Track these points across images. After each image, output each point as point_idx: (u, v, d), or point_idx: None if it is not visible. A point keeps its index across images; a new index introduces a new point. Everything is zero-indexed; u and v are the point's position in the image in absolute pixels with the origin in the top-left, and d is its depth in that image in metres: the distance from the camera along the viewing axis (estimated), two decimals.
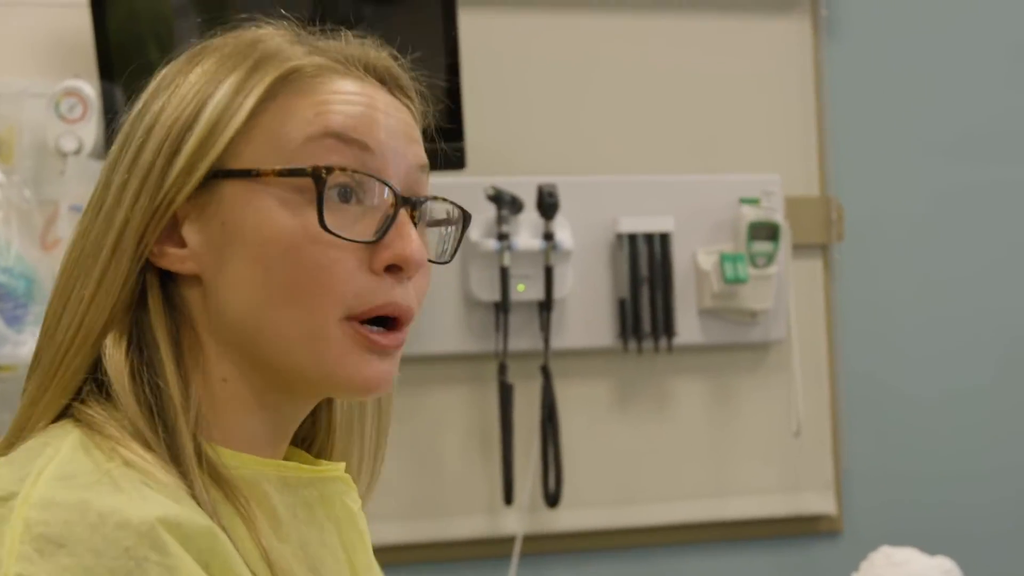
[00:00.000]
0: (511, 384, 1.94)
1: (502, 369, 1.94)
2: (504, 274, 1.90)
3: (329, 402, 0.87)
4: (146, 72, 1.95)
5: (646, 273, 1.99)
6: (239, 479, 0.74)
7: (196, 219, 0.76)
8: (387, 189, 0.76)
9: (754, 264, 1.99)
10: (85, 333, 0.74)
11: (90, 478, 0.66)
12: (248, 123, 0.75)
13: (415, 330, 2.07)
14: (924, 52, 2.20)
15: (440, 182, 2.02)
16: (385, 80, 0.81)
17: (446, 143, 1.85)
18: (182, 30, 1.76)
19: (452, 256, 0.85)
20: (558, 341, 1.98)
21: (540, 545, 2.01)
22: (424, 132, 0.84)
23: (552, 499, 1.96)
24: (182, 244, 0.76)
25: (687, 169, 2.09)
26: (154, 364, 0.74)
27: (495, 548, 1.98)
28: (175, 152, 0.74)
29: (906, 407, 2.18)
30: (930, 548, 2.05)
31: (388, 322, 0.77)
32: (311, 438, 0.87)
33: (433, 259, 0.82)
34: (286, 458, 0.82)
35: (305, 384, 0.78)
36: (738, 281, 1.97)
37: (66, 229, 1.64)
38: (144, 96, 0.79)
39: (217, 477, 0.73)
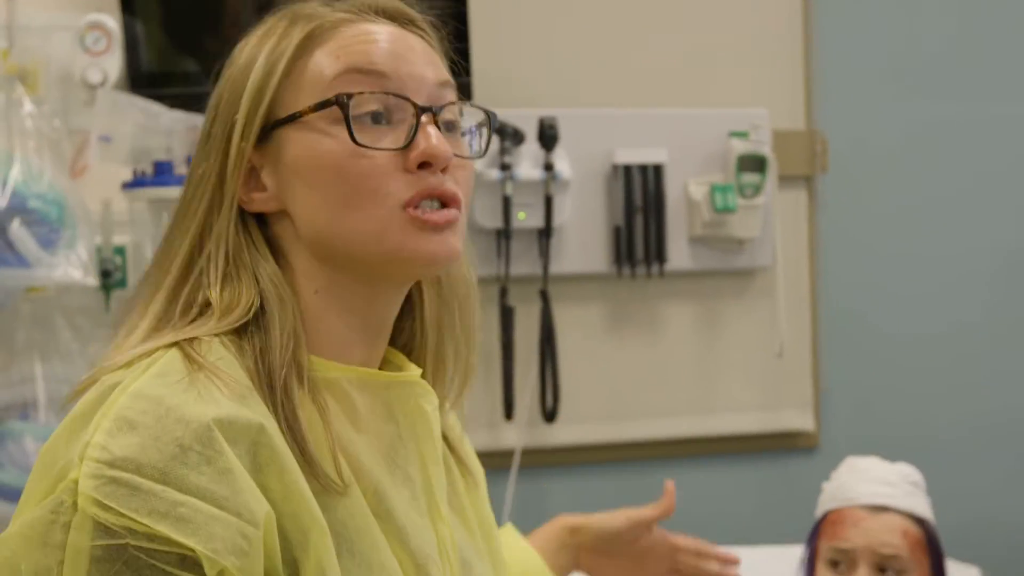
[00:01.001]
0: (512, 307, 2.01)
1: (503, 293, 2.01)
2: (506, 203, 1.96)
3: (421, 307, 0.98)
4: (166, 5, 1.97)
5: (640, 203, 2.04)
6: (322, 380, 0.87)
7: (268, 166, 0.89)
8: (406, 102, 0.87)
9: (742, 195, 2.05)
10: (193, 267, 0.88)
11: (175, 378, 0.80)
12: (285, 78, 0.88)
13: None
14: None
15: None
16: (395, 18, 0.93)
17: (455, 79, 1.92)
18: None
19: (484, 151, 0.95)
20: (556, 267, 2.04)
21: (538, 458, 2.07)
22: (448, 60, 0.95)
23: (549, 415, 2.04)
24: (264, 189, 0.89)
25: (680, 103, 2.12)
26: (262, 286, 0.87)
27: (496, 460, 2.01)
28: (234, 114, 0.88)
29: (882, 332, 2.24)
30: (901, 458, 2.14)
31: (438, 205, 0.88)
32: (410, 344, 0.98)
33: (465, 155, 0.92)
34: (386, 359, 0.95)
35: (383, 272, 0.89)
36: (727, 210, 2.03)
37: (94, 157, 1.66)
38: (221, 72, 0.92)
39: (302, 379, 0.85)
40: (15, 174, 1.62)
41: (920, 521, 1.57)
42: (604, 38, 2.11)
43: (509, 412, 2.02)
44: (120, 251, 1.73)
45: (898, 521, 1.55)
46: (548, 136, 1.96)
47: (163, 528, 0.74)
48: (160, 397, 0.78)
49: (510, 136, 1.95)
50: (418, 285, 0.97)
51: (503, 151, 1.95)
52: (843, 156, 2.21)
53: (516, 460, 2.03)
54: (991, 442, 2.29)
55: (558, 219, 2.01)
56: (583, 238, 2.06)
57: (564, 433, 2.09)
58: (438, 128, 0.88)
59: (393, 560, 0.87)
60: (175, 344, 0.83)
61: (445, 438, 1.00)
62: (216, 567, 0.75)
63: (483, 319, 2.03)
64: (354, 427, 0.88)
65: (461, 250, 0.90)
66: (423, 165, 0.87)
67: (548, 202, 1.98)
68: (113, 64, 1.70)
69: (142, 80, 1.79)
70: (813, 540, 1.60)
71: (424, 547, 0.90)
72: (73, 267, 1.59)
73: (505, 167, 1.95)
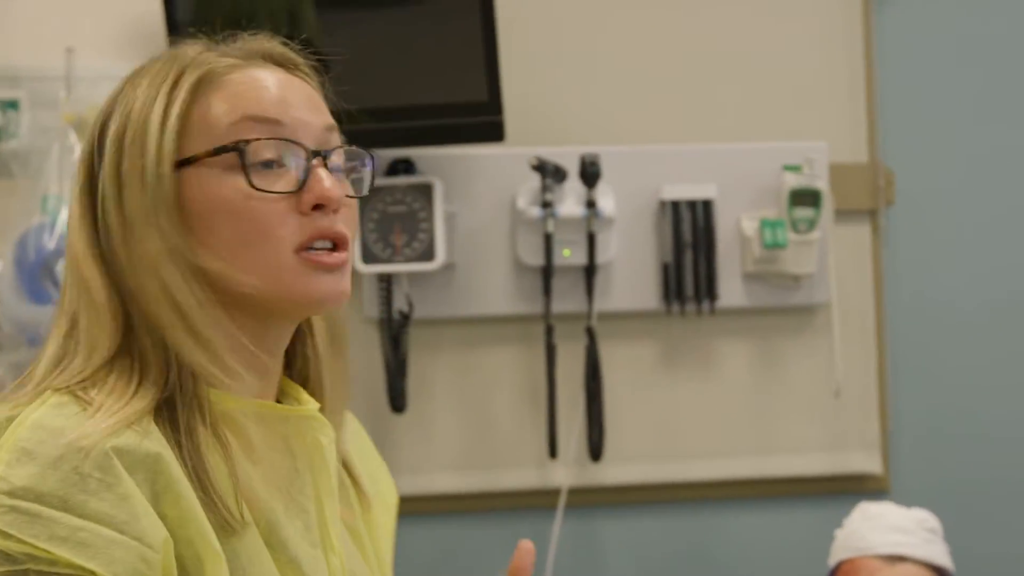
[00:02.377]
0: (555, 344, 2.00)
1: (548, 331, 2.00)
2: (548, 240, 1.96)
3: (312, 338, 1.02)
4: None
5: (689, 238, 2.02)
6: (221, 414, 0.90)
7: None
8: (299, 147, 0.92)
9: (795, 230, 2.01)
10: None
11: (74, 410, 0.84)
12: (182, 124, 0.91)
13: (467, 290, 2.18)
14: (976, 15, 2.17)
15: (483, 153, 2.11)
16: (281, 63, 0.97)
17: (486, 117, 1.94)
18: (245, 16, 1.86)
19: (369, 190, 0.99)
20: (603, 303, 2.03)
21: (585, 497, 2.06)
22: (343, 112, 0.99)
23: (595, 453, 2.02)
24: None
25: (732, 137, 2.10)
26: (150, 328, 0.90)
27: (541, 499, 2.04)
28: (142, 157, 0.89)
29: (954, 370, 2.17)
30: (976, 507, 2.07)
31: (330, 246, 0.92)
32: (303, 373, 1.02)
33: (353, 195, 0.96)
34: (283, 391, 0.99)
35: (276, 309, 0.93)
36: (777, 246, 2.00)
37: None
38: (103, 111, 0.95)
39: (204, 416, 0.89)
40: (64, 218, 1.72)
41: (939, 571, 1.54)
42: (649, 71, 2.11)
43: (553, 450, 2.01)
44: None
45: (916, 572, 1.53)
46: (590, 173, 1.95)
47: (64, 552, 0.77)
48: (59, 428, 0.82)
49: (551, 174, 1.95)
50: (307, 319, 1.01)
51: (544, 188, 1.95)
52: (911, 189, 2.16)
53: (562, 499, 2.02)
54: None
55: (604, 256, 2.01)
56: (631, 275, 2.05)
57: (612, 472, 2.07)
58: (327, 171, 0.92)
59: None
60: (68, 388, 0.86)
61: (344, 464, 1.03)
62: None
63: (529, 356, 2.06)
64: (249, 459, 0.91)
65: (349, 289, 0.94)
66: (316, 207, 0.91)
67: (591, 239, 1.98)
68: None
69: None
70: None
71: None
72: None
73: (546, 204, 1.95)
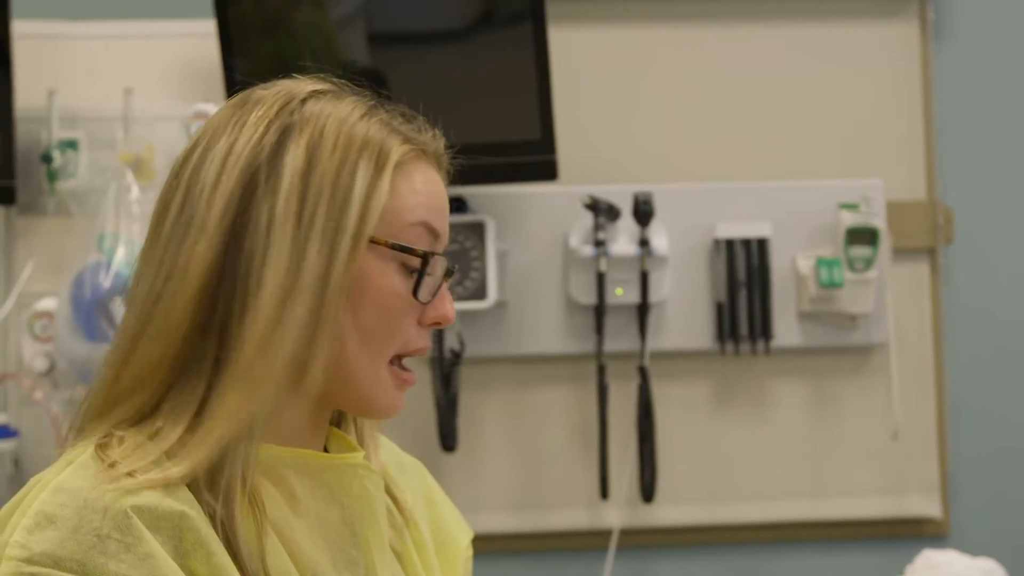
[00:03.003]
0: (607, 384, 1.99)
1: (600, 370, 1.99)
2: (600, 279, 1.95)
3: None
4: None
5: (743, 277, 2.01)
6: (260, 465, 0.86)
7: None
8: (443, 265, 0.93)
9: (852, 268, 1.99)
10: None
11: (94, 471, 0.81)
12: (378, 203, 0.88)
13: (520, 329, 2.16)
14: None
15: (536, 191, 2.11)
16: (442, 166, 0.96)
17: (540, 156, 1.94)
18: (290, 57, 1.84)
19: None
20: (656, 342, 2.02)
21: (637, 538, 2.04)
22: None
23: (647, 494, 2.00)
24: None
25: (787, 175, 2.09)
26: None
27: (593, 540, 2.02)
28: (339, 224, 0.86)
29: (1016, 412, 2.14)
30: None
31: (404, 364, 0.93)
32: (344, 425, 1.00)
33: None
34: (330, 441, 0.97)
35: (349, 407, 0.95)
36: (833, 285, 1.97)
37: None
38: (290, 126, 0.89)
39: (245, 482, 0.84)
40: (119, 257, 1.73)
41: None
42: (702, 110, 2.11)
43: (605, 491, 1.99)
44: None
45: None
46: (643, 211, 1.95)
47: None
48: (78, 489, 0.80)
49: (604, 212, 1.94)
50: None
51: (597, 227, 1.95)
52: (971, 227, 2.13)
53: (614, 540, 2.00)
54: None
55: (657, 295, 1.99)
56: (684, 313, 2.04)
57: (664, 513, 2.06)
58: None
59: None
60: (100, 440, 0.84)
61: (397, 503, 1.01)
62: None
63: (581, 395, 2.05)
64: (292, 511, 0.88)
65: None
66: (432, 324, 0.92)
67: (644, 278, 1.97)
68: None
69: None
70: None
71: None
72: None
73: (599, 243, 1.95)
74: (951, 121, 2.14)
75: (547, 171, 1.87)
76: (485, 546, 1.99)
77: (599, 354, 1.99)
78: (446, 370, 1.94)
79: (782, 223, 2.04)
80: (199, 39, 1.93)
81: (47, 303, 1.74)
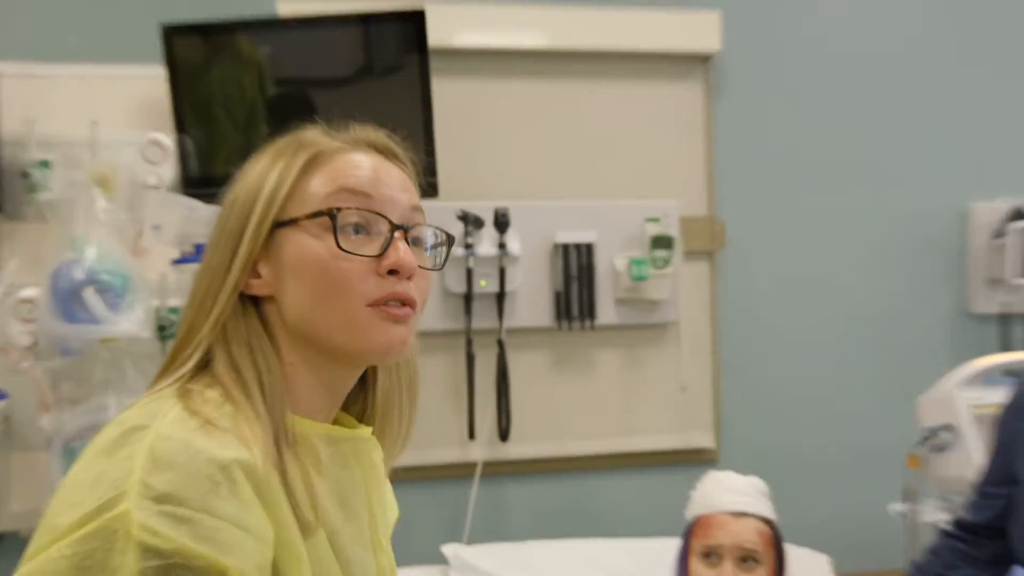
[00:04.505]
0: (474, 353, 2.02)
1: (469, 342, 2.02)
2: (469, 274, 1.98)
3: (373, 382, 0.93)
4: (211, 127, 2.00)
5: (575, 272, 2.05)
6: (298, 435, 0.83)
7: (265, 259, 0.85)
8: (384, 220, 0.84)
9: (655, 266, 2.05)
10: (201, 331, 0.84)
11: (194, 425, 0.75)
12: (291, 192, 0.84)
13: None
14: (786, 110, 2.24)
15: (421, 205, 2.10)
16: (382, 151, 0.89)
17: (424, 178, 1.94)
18: (236, 101, 1.83)
19: (443, 265, 0.92)
20: (510, 321, 2.05)
21: (496, 469, 2.08)
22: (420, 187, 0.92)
23: (503, 435, 2.05)
24: (259, 277, 0.85)
25: (608, 196, 2.13)
26: (254, 356, 0.83)
27: (462, 471, 2.05)
28: (247, 217, 0.84)
29: (767, 373, 2.23)
30: (782, 472, 2.08)
31: (399, 304, 0.84)
32: (362, 409, 0.94)
33: (427, 267, 0.88)
34: (336, 421, 0.90)
35: (347, 355, 0.84)
36: (641, 279, 2.04)
37: (150, 241, 1.70)
38: (233, 185, 0.88)
39: (288, 437, 0.81)
40: (91, 254, 1.67)
41: (769, 523, 1.57)
42: (547, 146, 2.13)
43: (472, 433, 2.03)
44: (174, 311, 1.77)
45: (754, 523, 1.54)
46: (501, 222, 1.98)
47: (205, 549, 0.70)
48: (186, 440, 0.73)
49: (472, 222, 1.97)
50: (373, 366, 0.93)
51: (467, 234, 1.97)
52: (737, 236, 2.22)
53: (478, 471, 2.03)
54: (843, 461, 2.27)
55: (511, 285, 2.02)
56: (531, 300, 2.06)
57: (516, 450, 2.09)
58: (407, 243, 0.85)
59: None
60: (181, 396, 0.78)
61: None
62: None
63: (453, 362, 2.05)
64: (319, 473, 0.83)
65: (411, 342, 0.86)
66: (392, 272, 0.83)
67: (502, 273, 2.00)
68: (167, 171, 1.73)
69: (190, 182, 1.83)
70: (687, 538, 1.59)
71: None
72: (132, 324, 1.63)
73: (468, 246, 1.97)
74: (725, 158, 2.21)
75: (430, 190, 1.88)
76: None
77: (468, 330, 2.02)
78: None
79: (604, 232, 2.08)
80: (152, 81, 1.86)
81: (30, 291, 1.67)
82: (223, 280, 0.84)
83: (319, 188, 0.84)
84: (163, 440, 0.72)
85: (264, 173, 0.85)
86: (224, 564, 0.70)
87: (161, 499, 0.70)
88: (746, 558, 1.53)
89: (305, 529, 0.78)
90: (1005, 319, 2.30)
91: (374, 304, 0.82)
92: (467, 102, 2.08)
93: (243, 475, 0.73)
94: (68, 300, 1.63)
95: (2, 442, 1.81)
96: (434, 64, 1.88)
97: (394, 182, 0.86)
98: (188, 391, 0.79)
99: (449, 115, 2.02)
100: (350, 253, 0.82)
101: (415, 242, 0.87)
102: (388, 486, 0.99)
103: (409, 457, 2.19)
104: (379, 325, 0.82)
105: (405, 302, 0.83)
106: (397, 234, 0.84)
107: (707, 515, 1.56)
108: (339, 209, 0.82)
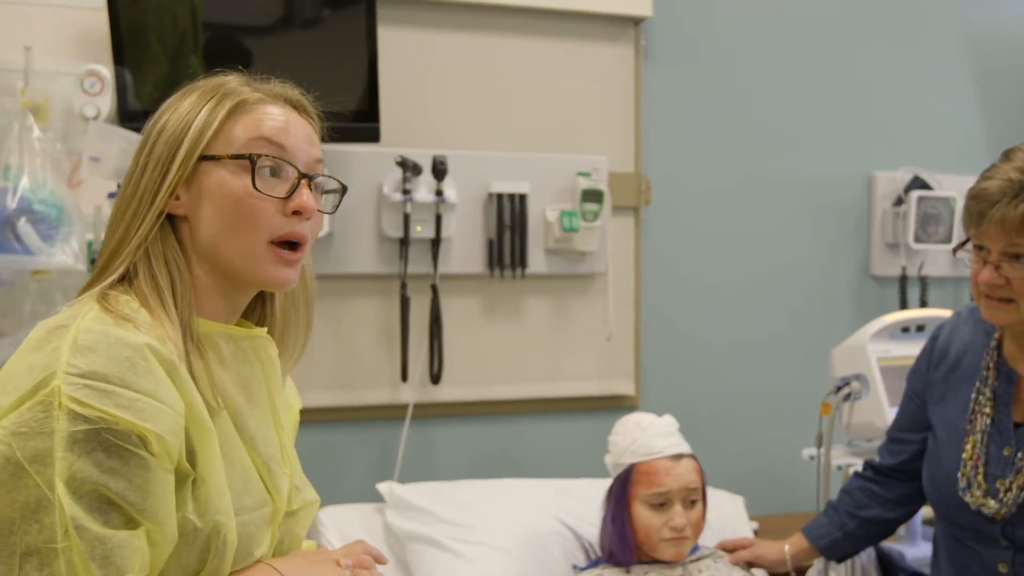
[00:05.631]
0: (409, 297, 2.04)
1: (403, 286, 2.03)
2: (406, 219, 1.99)
3: (271, 296, 1.07)
4: (146, 61, 1.96)
5: (508, 222, 2.08)
6: (203, 334, 0.97)
7: (186, 186, 0.97)
8: (292, 168, 0.98)
9: (585, 219, 2.10)
10: (127, 247, 0.96)
11: (111, 320, 0.88)
12: (216, 131, 0.97)
13: (343, 254, 2.16)
14: (712, 75, 2.31)
15: (362, 150, 2.11)
16: (296, 106, 1.02)
17: (367, 123, 1.95)
18: (174, 33, 1.79)
19: (335, 210, 1.06)
20: (444, 267, 2.07)
21: (427, 411, 2.11)
22: (322, 139, 1.05)
23: (435, 378, 2.07)
24: (178, 199, 0.98)
25: (542, 149, 2.16)
26: (170, 269, 0.96)
27: (394, 412, 2.07)
28: (176, 149, 0.96)
29: (686, 323, 2.31)
30: (700, 419, 2.17)
31: (293, 245, 0.98)
32: (261, 316, 1.08)
33: (323, 210, 1.03)
34: (237, 325, 1.04)
35: (245, 281, 0.99)
36: (572, 230, 2.08)
37: (87, 172, 1.66)
38: (157, 114, 1.00)
39: (194, 336, 0.95)
40: (24, 184, 1.62)
41: (695, 458, 1.61)
42: (485, 99, 2.15)
43: (404, 375, 2.05)
44: None
45: (690, 463, 1.58)
46: (439, 170, 2.00)
47: (126, 416, 0.82)
48: (105, 330, 0.86)
49: (411, 169, 1.97)
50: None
51: (405, 180, 1.98)
52: (661, 193, 2.28)
53: (409, 412, 2.06)
54: (757, 408, 2.37)
55: (446, 232, 2.04)
56: (465, 247, 2.09)
57: (447, 393, 2.11)
58: (310, 189, 0.99)
59: (248, 459, 0.98)
60: (99, 299, 0.90)
61: None
62: (161, 442, 0.84)
63: (388, 305, 2.07)
64: (222, 366, 0.97)
65: (297, 280, 1.00)
66: (295, 213, 0.97)
67: (438, 219, 2.02)
68: (105, 102, 1.71)
69: (127, 115, 1.79)
70: (625, 486, 1.56)
71: (269, 450, 1.00)
72: (67, 256, 1.60)
73: (406, 192, 1.98)
74: (652, 117, 2.26)
75: (372, 135, 1.88)
76: (313, 416, 2.05)
77: (403, 275, 2.03)
78: None
79: (537, 183, 2.11)
80: (91, 11, 1.81)
81: None
82: (151, 203, 0.95)
83: (241, 133, 0.96)
84: (84, 332, 0.85)
85: (193, 110, 0.97)
86: (143, 428, 0.83)
87: (86, 376, 0.82)
88: (690, 499, 1.56)
89: (211, 411, 0.92)
90: (903, 280, 2.44)
91: (273, 242, 0.96)
92: (410, 51, 2.08)
93: (155, 357, 0.86)
94: (1, 230, 1.59)
95: None
96: (380, 12, 1.88)
97: (303, 135, 1.00)
98: (105, 295, 0.92)
99: (392, 63, 2.02)
100: (263, 193, 0.95)
101: (316, 188, 1.01)
102: (289, 383, 1.13)
103: (343, 397, 2.21)
104: (273, 263, 0.96)
105: (300, 241, 0.98)
106: (303, 181, 0.98)
107: (647, 462, 1.54)
108: (259, 155, 0.96)
